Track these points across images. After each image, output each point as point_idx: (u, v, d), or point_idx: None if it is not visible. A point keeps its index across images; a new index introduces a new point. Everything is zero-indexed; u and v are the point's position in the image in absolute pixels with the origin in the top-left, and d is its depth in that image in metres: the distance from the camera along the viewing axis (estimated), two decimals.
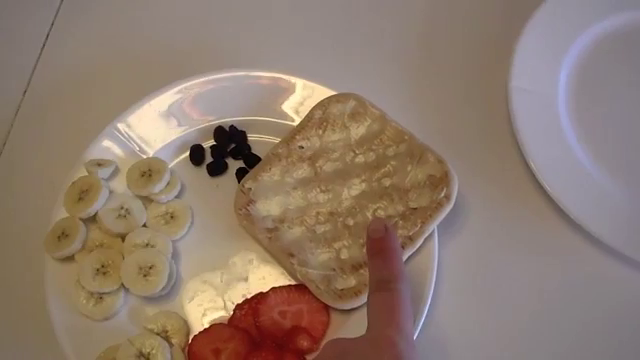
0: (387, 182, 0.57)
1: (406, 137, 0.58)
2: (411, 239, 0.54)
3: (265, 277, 0.57)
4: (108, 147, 0.61)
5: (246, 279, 0.57)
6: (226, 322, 0.55)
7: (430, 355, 0.55)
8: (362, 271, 0.54)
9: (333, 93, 0.61)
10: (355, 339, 0.45)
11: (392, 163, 0.58)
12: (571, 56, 0.66)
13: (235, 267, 0.58)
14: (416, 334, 0.52)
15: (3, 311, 0.59)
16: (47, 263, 0.56)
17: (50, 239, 0.56)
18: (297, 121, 0.61)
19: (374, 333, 0.46)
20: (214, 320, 0.56)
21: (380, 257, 0.49)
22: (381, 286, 0.48)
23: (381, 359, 0.43)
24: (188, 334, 0.55)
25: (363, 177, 0.58)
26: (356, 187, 0.58)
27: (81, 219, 0.57)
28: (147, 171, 0.59)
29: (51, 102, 0.69)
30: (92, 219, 0.58)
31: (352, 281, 0.54)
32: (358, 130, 0.59)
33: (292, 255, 0.56)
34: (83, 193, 0.57)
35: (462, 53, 0.69)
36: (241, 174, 0.61)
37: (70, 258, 0.56)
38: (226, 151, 0.62)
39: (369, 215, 0.57)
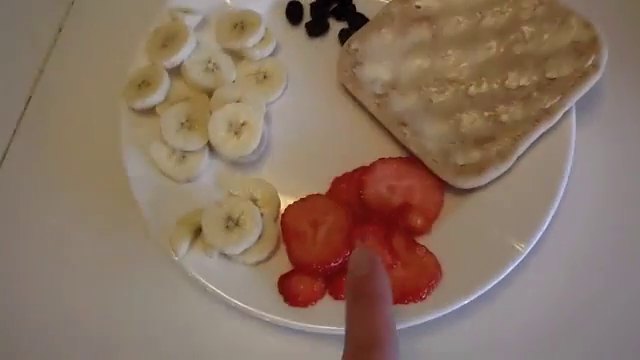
0: (519, 49, 0.49)
1: None
2: (548, 112, 0.46)
3: (369, 148, 0.49)
4: None
5: (347, 150, 0.50)
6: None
7: (558, 250, 0.47)
8: (487, 145, 0.47)
9: None
10: None
11: (526, 28, 0.49)
12: None
13: (334, 136, 0.51)
14: (545, 225, 0.45)
15: (79, 166, 0.53)
16: (124, 115, 0.50)
17: (130, 87, 0.49)
18: None
19: None
20: (308, 193, 0.48)
21: (361, 305, 0.37)
22: (358, 355, 0.35)
23: None
24: (279, 206, 0.48)
25: (491, 42, 0.50)
26: (481, 53, 0.50)
27: (165, 69, 0.50)
28: (239, 23, 0.52)
29: None
30: (176, 71, 0.51)
31: (476, 155, 0.46)
32: None
33: (404, 124, 0.48)
34: (168, 40, 0.50)
35: None
36: (345, 36, 0.53)
37: (151, 111, 0.50)
38: (328, 10, 0.55)
39: (496, 85, 0.48)
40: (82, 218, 0.51)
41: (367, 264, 0.38)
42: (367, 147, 0.50)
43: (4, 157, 0.54)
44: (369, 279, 0.37)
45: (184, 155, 0.48)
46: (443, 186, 0.48)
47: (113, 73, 0.52)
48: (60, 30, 0.58)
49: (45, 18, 0.59)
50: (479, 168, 0.46)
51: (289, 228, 0.46)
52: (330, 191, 0.48)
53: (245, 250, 0.45)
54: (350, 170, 0.49)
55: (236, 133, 0.47)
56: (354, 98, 0.51)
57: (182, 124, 0.48)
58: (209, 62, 0.51)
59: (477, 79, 0.49)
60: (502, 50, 0.49)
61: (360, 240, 0.44)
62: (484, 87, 0.49)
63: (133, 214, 0.47)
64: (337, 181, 0.49)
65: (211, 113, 0.48)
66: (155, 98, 0.49)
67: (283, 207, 0.48)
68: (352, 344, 0.36)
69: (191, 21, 0.52)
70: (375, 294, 0.37)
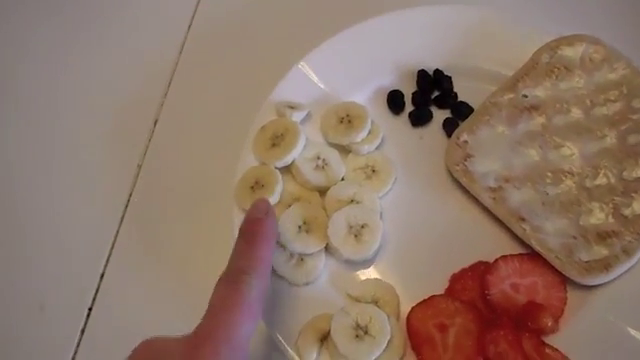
0: (633, 139, 0.49)
1: None
2: None
3: (485, 242, 0.49)
4: (296, 88, 0.53)
5: (461, 244, 0.49)
6: (440, 293, 0.48)
7: None
8: (611, 241, 0.46)
9: (555, 35, 0.53)
10: (175, 339, 0.38)
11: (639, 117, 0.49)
12: None
13: (448, 230, 0.50)
14: None
15: (193, 267, 0.52)
16: (236, 217, 0.49)
17: (242, 190, 0.49)
18: (512, 67, 0.53)
19: (199, 334, 0.38)
20: (424, 290, 0.47)
21: (248, 240, 0.43)
22: (232, 276, 0.41)
23: None
24: (399, 305, 0.48)
25: (604, 132, 0.49)
26: (594, 144, 0.49)
27: (276, 169, 0.50)
28: (346, 117, 0.51)
29: (223, 38, 0.62)
30: (285, 170, 0.50)
31: (600, 251, 0.46)
32: (595, 78, 0.51)
33: (523, 219, 0.48)
34: (277, 138, 0.50)
35: None
36: (449, 125, 0.53)
37: None
38: (430, 98, 0.54)
39: (612, 177, 0.48)
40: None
41: (263, 209, 0.44)
42: (483, 241, 0.49)
43: (102, 277, 0.53)
44: (260, 222, 0.43)
45: (302, 258, 0.48)
46: (565, 281, 0.47)
47: (213, 170, 0.52)
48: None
49: (140, 111, 0.59)
50: (605, 265, 0.46)
51: (417, 333, 0.46)
52: (449, 289, 0.48)
53: (375, 358, 0.44)
54: (466, 265, 0.48)
55: (356, 235, 0.47)
56: (464, 189, 0.51)
57: (300, 227, 0.47)
58: (318, 159, 0.50)
59: (592, 170, 0.49)
60: (615, 140, 0.49)
61: (494, 346, 0.44)
62: (601, 179, 0.48)
63: None
64: (455, 278, 0.48)
65: (327, 214, 0.48)
66: (271, 200, 0.48)
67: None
68: (229, 268, 0.41)
69: (298, 116, 0.51)
70: (262, 233, 0.43)
